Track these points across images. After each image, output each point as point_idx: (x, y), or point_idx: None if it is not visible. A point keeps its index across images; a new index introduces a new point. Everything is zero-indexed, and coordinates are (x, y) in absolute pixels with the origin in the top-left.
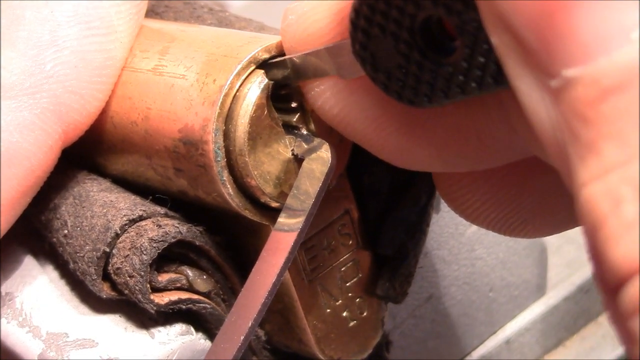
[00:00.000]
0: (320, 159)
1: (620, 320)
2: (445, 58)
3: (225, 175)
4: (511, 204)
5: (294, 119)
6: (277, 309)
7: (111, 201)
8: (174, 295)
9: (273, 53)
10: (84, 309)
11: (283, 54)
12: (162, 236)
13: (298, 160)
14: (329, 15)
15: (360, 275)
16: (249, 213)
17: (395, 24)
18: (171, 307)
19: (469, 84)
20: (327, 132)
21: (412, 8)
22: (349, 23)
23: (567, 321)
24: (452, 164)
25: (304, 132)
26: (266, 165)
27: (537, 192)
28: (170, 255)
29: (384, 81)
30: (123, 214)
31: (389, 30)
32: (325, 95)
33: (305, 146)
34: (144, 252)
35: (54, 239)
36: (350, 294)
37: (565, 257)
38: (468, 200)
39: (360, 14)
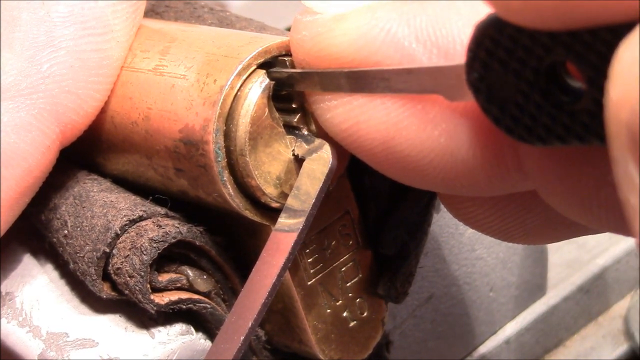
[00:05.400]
0: (321, 160)
1: None
2: (568, 105)
3: (226, 175)
4: (516, 219)
5: (295, 120)
6: (277, 309)
7: (111, 201)
8: (174, 295)
9: (274, 53)
10: (84, 308)
11: (283, 55)
12: (163, 236)
13: (299, 160)
14: (347, 41)
15: (361, 276)
16: (249, 213)
17: (519, 63)
18: (171, 307)
19: (589, 137)
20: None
21: (541, 51)
22: (467, 51)
23: (568, 321)
24: (458, 192)
25: (305, 132)
26: (267, 166)
27: (542, 210)
28: (171, 255)
29: (497, 114)
30: (123, 214)
31: (511, 67)
32: (336, 110)
33: (306, 147)
34: (144, 252)
35: (54, 239)
36: (350, 294)
37: (566, 257)
38: (471, 212)
39: (481, 45)
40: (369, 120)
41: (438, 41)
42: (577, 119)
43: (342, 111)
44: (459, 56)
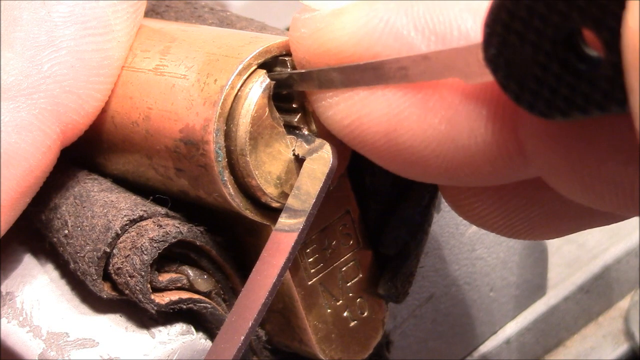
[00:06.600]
0: (322, 160)
1: None
2: (587, 73)
3: (226, 175)
4: (520, 213)
5: (295, 119)
6: (277, 309)
7: (112, 201)
8: (174, 295)
9: (275, 53)
10: (84, 308)
11: (283, 54)
12: (163, 236)
13: (299, 160)
14: (347, 34)
15: (361, 276)
16: (249, 213)
17: (536, 34)
18: (172, 307)
19: (610, 104)
20: (329, 132)
21: (557, 18)
22: (483, 27)
23: (568, 321)
24: (462, 182)
25: (305, 132)
26: (267, 165)
27: (546, 202)
28: (171, 255)
29: (516, 91)
30: (124, 214)
31: (529, 39)
32: (338, 106)
33: (307, 146)
34: (145, 252)
35: (55, 239)
36: (351, 294)
37: (566, 257)
38: (476, 208)
39: (498, 19)
40: (371, 114)
41: (435, 28)
42: (597, 87)
43: (343, 107)
44: (456, 42)
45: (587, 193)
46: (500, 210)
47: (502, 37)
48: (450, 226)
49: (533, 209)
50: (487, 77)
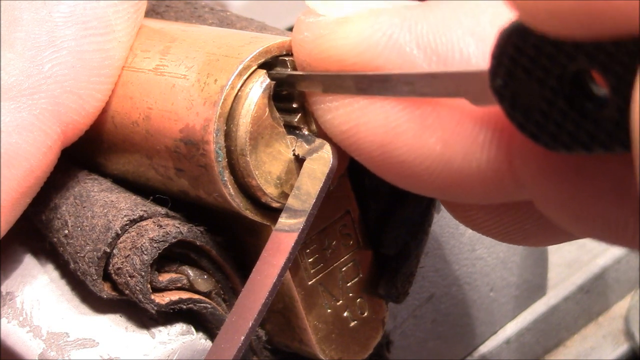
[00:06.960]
0: (322, 160)
1: None
2: (592, 112)
3: (227, 175)
4: (515, 224)
5: (296, 120)
6: (277, 309)
7: (112, 201)
8: (174, 295)
9: (274, 53)
10: (84, 308)
11: (283, 54)
12: (163, 236)
13: (299, 160)
14: (350, 44)
15: (361, 276)
16: (249, 213)
17: (543, 71)
18: (172, 307)
19: (613, 145)
20: None
21: (565, 59)
22: (490, 58)
23: (568, 321)
24: (455, 199)
25: (306, 132)
26: (267, 165)
27: (541, 217)
28: (171, 255)
29: (521, 120)
30: (124, 214)
31: (535, 75)
32: (337, 111)
33: (307, 146)
34: (145, 252)
35: (55, 239)
36: (351, 294)
37: (566, 257)
38: (471, 216)
39: (505, 53)
40: (369, 123)
41: (438, 49)
42: (602, 127)
43: (343, 113)
44: (457, 64)
45: (579, 225)
46: (495, 220)
47: (508, 69)
48: (450, 226)
49: (528, 221)
50: (494, 102)
